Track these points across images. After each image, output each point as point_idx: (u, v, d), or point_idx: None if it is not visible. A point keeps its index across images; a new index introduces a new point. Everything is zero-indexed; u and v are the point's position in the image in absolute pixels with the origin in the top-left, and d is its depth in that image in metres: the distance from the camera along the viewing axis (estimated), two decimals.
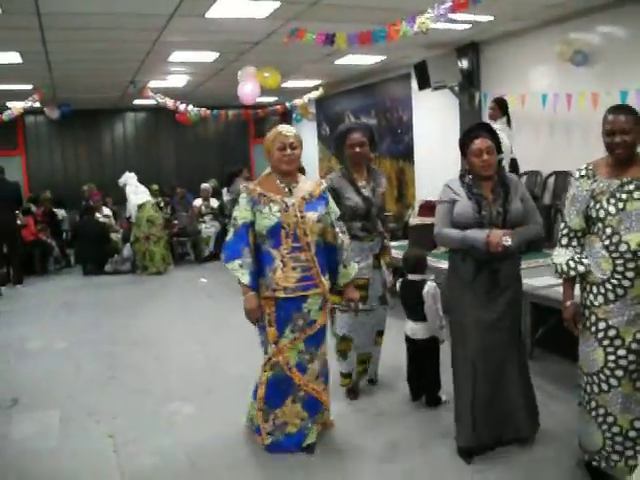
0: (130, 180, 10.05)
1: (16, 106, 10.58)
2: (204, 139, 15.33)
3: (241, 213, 3.39)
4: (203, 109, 11.60)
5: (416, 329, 4.13)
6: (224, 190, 10.65)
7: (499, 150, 3.45)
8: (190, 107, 11.47)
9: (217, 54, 8.33)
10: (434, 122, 9.74)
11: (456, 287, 3.44)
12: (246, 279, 3.30)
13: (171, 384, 4.76)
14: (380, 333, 4.43)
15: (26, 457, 3.68)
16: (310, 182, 3.57)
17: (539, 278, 5.13)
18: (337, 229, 3.55)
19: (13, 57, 7.68)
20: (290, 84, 11.20)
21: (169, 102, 11.07)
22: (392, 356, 4.63)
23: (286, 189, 3.42)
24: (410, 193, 10.70)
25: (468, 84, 8.50)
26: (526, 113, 7.49)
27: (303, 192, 3.43)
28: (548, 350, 4.96)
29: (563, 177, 7.56)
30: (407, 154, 10.73)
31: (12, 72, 8.60)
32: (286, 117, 14.06)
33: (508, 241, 3.17)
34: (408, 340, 4.21)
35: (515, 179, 3.50)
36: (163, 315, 7.10)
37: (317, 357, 3.50)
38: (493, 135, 3.43)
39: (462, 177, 3.47)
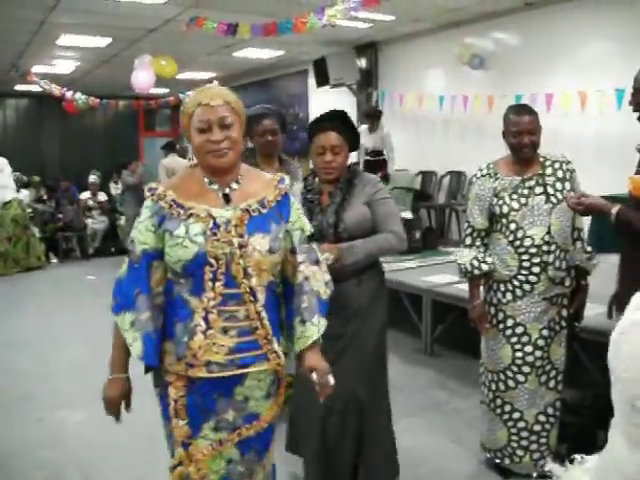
0: None
1: None
2: (91, 130, 14.63)
3: (141, 234, 2.00)
4: (92, 98, 11.04)
5: None
6: (111, 184, 10.24)
7: (354, 147, 2.83)
8: (78, 95, 10.89)
9: (110, 39, 7.94)
10: None
11: None
12: (138, 349, 1.96)
13: (57, 389, 4.43)
14: None
15: None
16: (262, 177, 2.10)
17: (437, 276, 5.20)
18: (299, 257, 2.09)
19: None
20: (184, 76, 10.86)
21: (55, 89, 10.45)
22: None
23: (219, 194, 2.00)
24: None
25: (366, 83, 8.57)
26: (423, 113, 7.64)
27: (248, 198, 2.00)
28: (447, 347, 5.03)
29: (457, 177, 7.76)
30: (303, 151, 10.68)
31: None
32: (178, 110, 13.68)
33: (329, 259, 2.54)
34: None
35: (370, 180, 2.82)
36: (45, 315, 6.66)
37: (257, 471, 2.14)
38: (347, 127, 2.78)
39: (305, 179, 2.99)
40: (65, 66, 9.85)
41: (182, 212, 1.96)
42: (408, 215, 6.96)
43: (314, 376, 2.02)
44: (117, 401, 2.07)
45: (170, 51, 8.03)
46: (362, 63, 8.52)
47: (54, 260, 9.87)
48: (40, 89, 10.51)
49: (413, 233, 6.79)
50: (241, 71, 10.98)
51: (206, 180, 2.02)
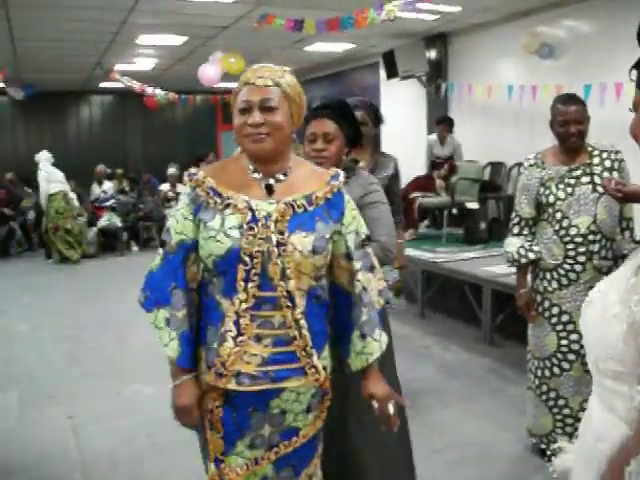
0: (43, 164, 9.64)
1: None
2: (171, 124, 15.19)
3: (177, 223, 1.84)
4: (171, 93, 11.52)
5: None
6: None
7: (354, 139, 2.54)
8: (158, 91, 11.38)
9: (185, 38, 8.26)
10: (402, 111, 9.80)
11: None
12: (175, 349, 1.81)
13: (133, 366, 4.76)
14: None
15: None
16: (314, 171, 1.92)
17: (499, 266, 5.24)
18: (357, 264, 1.88)
19: None
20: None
21: (136, 85, 10.96)
22: (400, 368, 4.37)
23: (261, 184, 1.81)
24: None
25: (435, 74, 8.58)
26: (492, 104, 7.60)
27: (294, 192, 1.81)
28: (507, 336, 5.07)
29: None
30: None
31: None
32: None
33: None
34: None
35: (364, 181, 2.57)
36: (126, 299, 7.04)
37: None
38: (346, 117, 2.50)
39: None
40: (145, 63, 10.30)
41: (219, 202, 1.77)
42: (474, 206, 6.99)
43: (375, 405, 1.86)
44: (194, 409, 1.84)
45: (244, 46, 8.28)
46: (431, 54, 8.53)
47: (135, 248, 10.37)
48: (122, 86, 11.03)
49: (479, 224, 6.82)
50: (313, 64, 11.16)
51: (250, 168, 1.82)
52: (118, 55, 9.38)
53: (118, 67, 10.38)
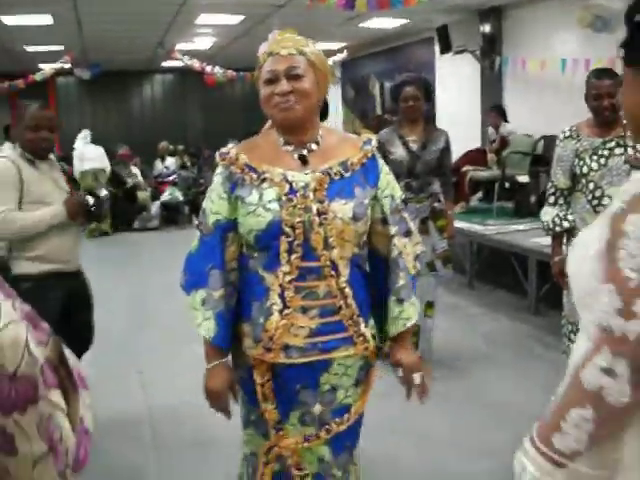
0: (78, 142, 9.85)
1: (48, 67, 10.91)
2: (230, 100, 15.51)
3: (213, 203, 1.84)
4: (229, 71, 11.81)
5: None
6: None
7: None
8: (216, 69, 11.69)
9: (242, 17, 8.52)
10: (456, 86, 9.83)
11: None
12: (210, 329, 1.81)
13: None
14: (430, 304, 4.06)
15: None
16: (345, 138, 1.92)
17: (545, 238, 5.34)
18: (392, 228, 1.87)
19: (45, 19, 7.98)
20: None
21: (196, 64, 11.30)
22: (449, 336, 4.66)
23: (294, 155, 1.80)
24: None
25: (489, 49, 8.58)
26: (546, 78, 7.59)
27: (328, 160, 1.79)
28: (552, 306, 5.19)
29: None
30: (429, 117, 10.82)
31: (44, 34, 8.91)
32: None
33: None
34: None
35: None
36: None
37: (351, 471, 1.96)
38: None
39: None
40: (204, 42, 10.62)
41: (255, 177, 1.76)
42: (525, 179, 7.04)
43: (399, 373, 1.85)
44: (223, 393, 1.84)
45: (300, 23, 8.35)
46: (485, 29, 8.52)
47: (195, 221, 10.73)
48: (183, 65, 11.38)
49: (529, 197, 6.88)
50: (369, 40, 11.25)
51: (281, 140, 1.81)
52: (178, 35, 9.72)
53: (179, 46, 10.72)
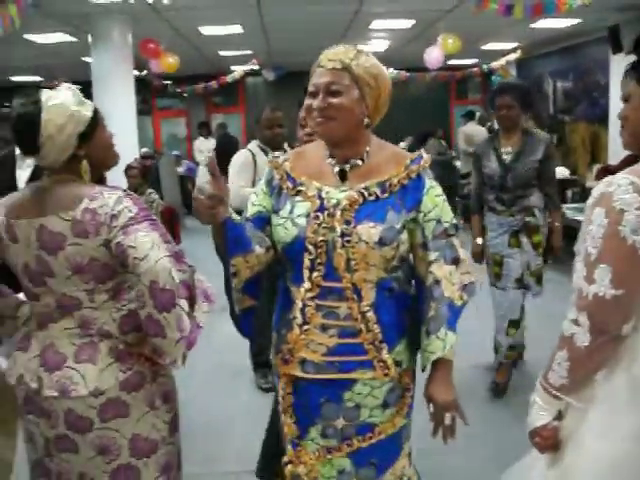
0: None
1: (238, 69, 12.13)
2: (404, 100, 15.92)
3: (257, 197, 1.86)
4: (402, 72, 12.30)
5: None
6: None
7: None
8: (390, 70, 12.22)
9: (413, 21, 8.99)
10: None
11: None
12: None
13: None
14: (513, 323, 3.78)
15: None
16: (394, 155, 1.82)
17: None
18: (432, 254, 1.76)
19: (236, 29, 9.13)
20: (489, 46, 11.54)
21: None
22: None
23: (335, 169, 1.77)
24: (603, 158, 10.61)
25: None
26: None
27: (369, 178, 1.74)
28: None
29: None
30: (602, 118, 10.61)
31: (235, 41, 10.11)
32: (484, 79, 14.34)
33: None
34: None
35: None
36: None
37: None
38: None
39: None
40: (379, 45, 11.22)
41: (291, 187, 1.76)
42: None
43: (431, 409, 1.74)
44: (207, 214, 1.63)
45: (468, 26, 8.76)
46: None
47: None
48: None
49: None
50: (541, 40, 11.21)
51: (327, 153, 1.79)
52: (354, 39, 10.34)
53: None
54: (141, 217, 1.72)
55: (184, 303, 1.70)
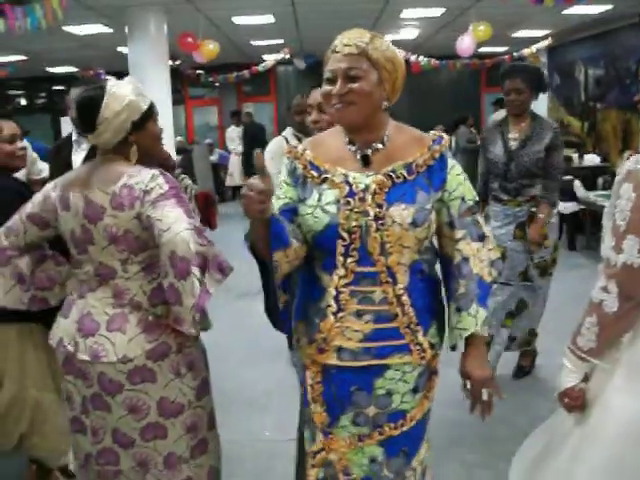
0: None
1: (270, 58, 12.27)
2: (436, 87, 15.93)
3: (281, 190, 1.81)
4: (433, 60, 12.31)
5: None
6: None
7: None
8: (421, 58, 12.25)
9: (443, 9, 9.04)
10: None
11: None
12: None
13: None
14: (510, 314, 3.69)
15: None
16: (414, 136, 1.82)
17: None
18: (459, 232, 1.79)
19: (268, 19, 9.30)
20: (520, 34, 11.51)
21: (401, 53, 11.95)
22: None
23: (358, 155, 1.76)
24: (634, 144, 10.55)
25: None
26: None
27: (393, 162, 1.73)
28: None
29: None
30: (633, 105, 10.51)
31: (267, 31, 10.27)
32: None
33: None
34: None
35: None
36: None
37: (408, 476, 1.88)
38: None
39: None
40: (409, 33, 11.28)
41: (316, 175, 1.74)
42: None
43: (468, 386, 1.77)
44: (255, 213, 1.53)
45: (498, 14, 8.80)
46: None
47: None
48: None
49: None
50: (573, 27, 11.14)
51: (346, 139, 1.78)
52: (385, 27, 10.44)
53: (386, 37, 11.40)
54: (170, 194, 1.92)
55: (197, 271, 1.86)
